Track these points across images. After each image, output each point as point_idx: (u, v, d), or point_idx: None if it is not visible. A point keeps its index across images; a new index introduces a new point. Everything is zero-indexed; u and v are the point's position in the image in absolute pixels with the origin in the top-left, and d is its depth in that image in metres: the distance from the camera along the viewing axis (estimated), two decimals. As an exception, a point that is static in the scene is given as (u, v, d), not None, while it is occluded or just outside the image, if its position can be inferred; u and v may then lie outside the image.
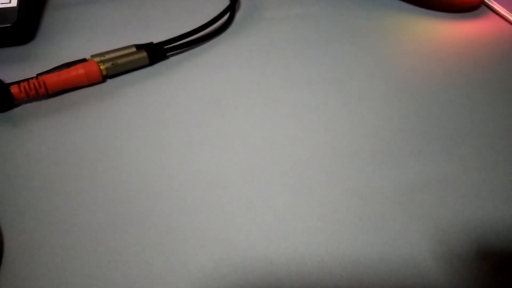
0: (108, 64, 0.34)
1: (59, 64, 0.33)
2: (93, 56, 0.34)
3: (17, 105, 0.32)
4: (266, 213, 0.26)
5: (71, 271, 0.23)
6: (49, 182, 0.27)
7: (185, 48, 0.37)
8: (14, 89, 0.31)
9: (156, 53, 0.36)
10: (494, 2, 0.41)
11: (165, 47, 0.36)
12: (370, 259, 0.24)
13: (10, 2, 0.37)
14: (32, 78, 0.32)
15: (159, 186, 0.27)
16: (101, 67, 0.33)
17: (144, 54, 0.35)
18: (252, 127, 0.30)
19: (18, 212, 0.26)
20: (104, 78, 0.34)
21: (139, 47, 0.35)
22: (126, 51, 0.35)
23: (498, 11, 0.41)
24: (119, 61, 0.34)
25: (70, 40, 0.38)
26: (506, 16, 0.40)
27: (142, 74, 0.35)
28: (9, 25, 0.36)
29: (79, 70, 0.33)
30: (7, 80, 0.32)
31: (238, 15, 0.41)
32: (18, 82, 0.31)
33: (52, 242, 0.24)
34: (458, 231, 0.25)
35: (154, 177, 0.27)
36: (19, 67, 0.36)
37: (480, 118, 0.31)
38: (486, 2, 0.42)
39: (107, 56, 0.34)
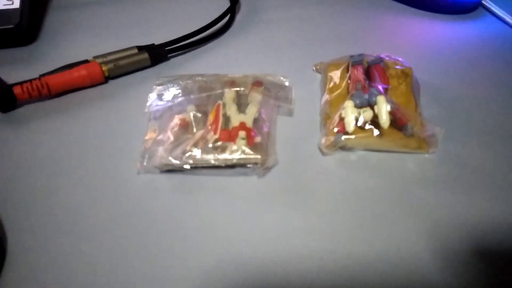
0: (110, 65, 0.34)
1: (62, 65, 0.34)
2: (95, 57, 0.34)
3: (20, 105, 0.33)
4: (266, 213, 0.26)
5: (73, 270, 0.23)
6: (51, 181, 0.28)
7: (186, 50, 0.38)
8: (17, 90, 0.31)
9: (157, 54, 0.36)
10: (491, 3, 0.42)
11: (167, 48, 0.36)
12: (370, 258, 0.24)
13: (12, 3, 0.38)
14: (34, 79, 0.32)
15: (161, 186, 0.27)
16: (103, 68, 0.34)
17: (145, 55, 0.35)
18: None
19: (21, 212, 0.26)
20: (106, 79, 0.34)
21: (141, 48, 0.36)
22: (128, 53, 0.35)
23: (496, 12, 0.41)
24: (121, 62, 0.34)
25: (72, 41, 0.39)
26: (503, 17, 0.41)
27: (144, 75, 0.35)
28: (11, 26, 0.36)
29: (81, 71, 0.33)
30: (10, 81, 0.32)
31: (238, 17, 0.42)
32: (21, 83, 0.32)
33: (55, 241, 0.25)
34: (458, 231, 0.25)
35: (155, 175, 0.28)
36: (22, 68, 0.36)
37: (477, 118, 0.31)
38: (484, 4, 0.42)
39: (109, 58, 0.34)
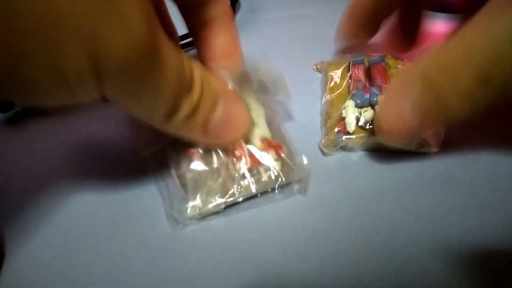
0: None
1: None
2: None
3: (18, 105, 0.32)
4: (266, 213, 0.26)
5: (72, 270, 0.23)
6: (49, 182, 0.27)
7: (185, 49, 0.37)
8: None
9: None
10: (492, 3, 0.42)
11: (165, 47, 0.36)
12: (371, 258, 0.24)
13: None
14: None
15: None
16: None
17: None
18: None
19: (19, 212, 0.26)
20: (105, 78, 0.34)
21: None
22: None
23: (497, 12, 0.41)
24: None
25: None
26: (504, 17, 0.40)
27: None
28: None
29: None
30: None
31: (238, 16, 0.42)
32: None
33: (53, 242, 0.25)
34: (459, 231, 0.25)
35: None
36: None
37: (479, 117, 0.31)
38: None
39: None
